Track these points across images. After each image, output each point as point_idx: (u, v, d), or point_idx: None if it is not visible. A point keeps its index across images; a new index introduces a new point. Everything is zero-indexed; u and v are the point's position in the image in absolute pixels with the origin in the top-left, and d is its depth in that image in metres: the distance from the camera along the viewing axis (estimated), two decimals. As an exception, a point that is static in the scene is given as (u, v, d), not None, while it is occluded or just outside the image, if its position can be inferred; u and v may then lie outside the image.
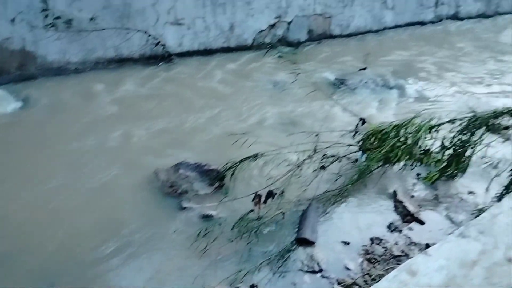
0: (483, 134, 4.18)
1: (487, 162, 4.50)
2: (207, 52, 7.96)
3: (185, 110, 6.03)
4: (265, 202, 3.91)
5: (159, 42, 7.38)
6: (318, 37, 9.06)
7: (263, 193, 3.95)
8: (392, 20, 9.85)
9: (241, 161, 4.33)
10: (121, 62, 7.20)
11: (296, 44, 8.78)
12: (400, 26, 10.00)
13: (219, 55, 8.03)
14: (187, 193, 4.24)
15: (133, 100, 6.31)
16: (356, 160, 4.72)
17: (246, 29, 8.23)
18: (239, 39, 8.25)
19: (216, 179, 4.39)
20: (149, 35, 7.30)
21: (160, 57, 7.42)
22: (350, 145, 4.73)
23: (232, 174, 4.32)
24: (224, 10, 7.88)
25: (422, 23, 10.29)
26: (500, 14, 11.59)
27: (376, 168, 4.46)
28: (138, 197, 4.25)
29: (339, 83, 7.36)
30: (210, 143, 5.30)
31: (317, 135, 4.59)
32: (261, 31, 8.39)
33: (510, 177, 3.88)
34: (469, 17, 11.13)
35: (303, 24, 8.78)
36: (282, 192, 4.04)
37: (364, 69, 7.86)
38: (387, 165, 4.51)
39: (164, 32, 7.47)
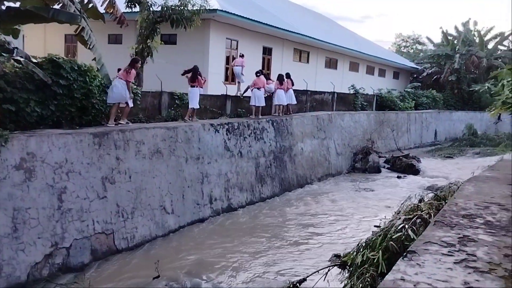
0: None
1: None
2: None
3: None
4: None
5: None
6: (103, 255, 8.63)
7: None
8: (174, 222, 10.29)
9: None
10: None
11: (80, 268, 8.11)
12: (183, 226, 10.48)
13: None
14: None
15: None
16: None
17: (17, 266, 7.28)
18: (10, 278, 7.17)
19: None
20: None
21: None
22: None
23: None
24: (-14, 251, 6.91)
25: (202, 220, 11.03)
26: (264, 199, 13.47)
27: None
28: None
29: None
30: None
31: None
32: (37, 263, 7.55)
33: None
34: (241, 206, 12.54)
35: (85, 246, 8.32)
36: None
37: (158, 277, 7.66)
38: None
39: None
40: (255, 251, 9.16)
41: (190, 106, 12.28)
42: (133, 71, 10.43)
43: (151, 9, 14.17)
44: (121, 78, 10.12)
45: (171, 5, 14.01)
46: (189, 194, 10.88)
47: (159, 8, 14.16)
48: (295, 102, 16.84)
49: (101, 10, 10.23)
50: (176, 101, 12.68)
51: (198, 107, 12.48)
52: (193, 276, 7.79)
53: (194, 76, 12.33)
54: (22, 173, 7.50)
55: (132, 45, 14.92)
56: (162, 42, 15.28)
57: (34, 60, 9.13)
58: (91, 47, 9.20)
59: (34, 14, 8.14)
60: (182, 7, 13.91)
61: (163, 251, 9.17)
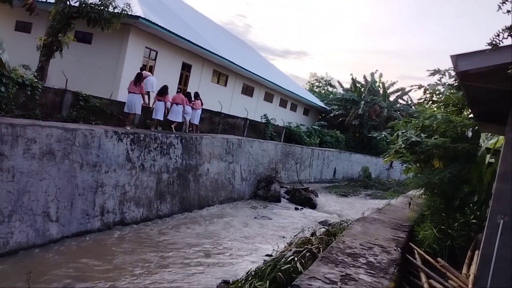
0: None
1: None
2: None
3: None
4: None
5: None
6: (-34, 261, 7.62)
7: None
8: (57, 232, 9.47)
9: None
10: None
11: None
12: (67, 237, 9.68)
13: None
14: None
15: None
16: None
17: None
18: None
19: None
20: None
21: None
22: None
23: None
24: None
25: (90, 232, 10.29)
26: (161, 217, 13.01)
27: None
28: None
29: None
30: None
31: None
32: None
33: None
34: (135, 222, 11.95)
35: None
36: None
37: (27, 291, 6.92)
38: None
39: None
40: (140, 271, 8.71)
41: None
42: (143, 84, 13.46)
43: (68, 2, 13.36)
44: (135, 93, 12.82)
45: (91, 3, 13.33)
46: (79, 202, 10.14)
47: (77, 3, 13.40)
48: (197, 123, 16.66)
49: (10, -8, 9.40)
50: (81, 102, 11.92)
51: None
52: (69, 292, 7.17)
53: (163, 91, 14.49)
54: None
55: (41, 36, 13.88)
56: (75, 39, 14.43)
57: None
58: (-9, 29, 8.33)
59: None
60: (102, 7, 13.29)
61: (39, 261, 8.36)
